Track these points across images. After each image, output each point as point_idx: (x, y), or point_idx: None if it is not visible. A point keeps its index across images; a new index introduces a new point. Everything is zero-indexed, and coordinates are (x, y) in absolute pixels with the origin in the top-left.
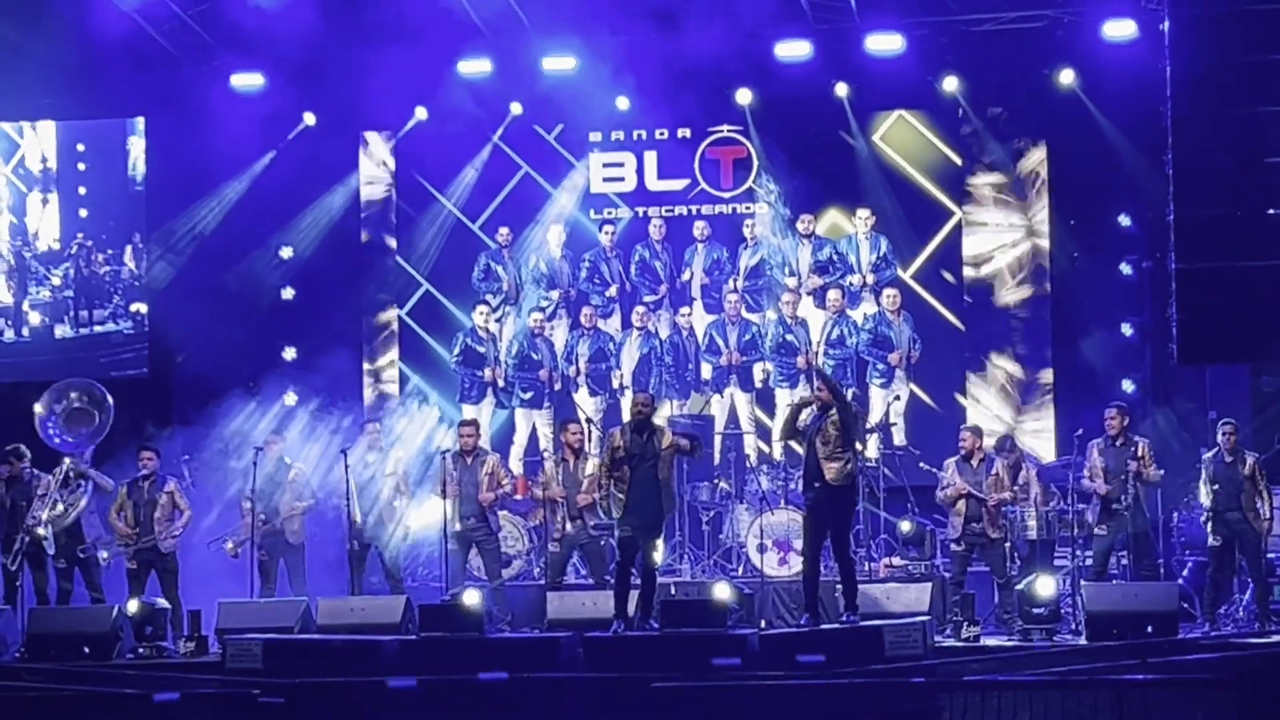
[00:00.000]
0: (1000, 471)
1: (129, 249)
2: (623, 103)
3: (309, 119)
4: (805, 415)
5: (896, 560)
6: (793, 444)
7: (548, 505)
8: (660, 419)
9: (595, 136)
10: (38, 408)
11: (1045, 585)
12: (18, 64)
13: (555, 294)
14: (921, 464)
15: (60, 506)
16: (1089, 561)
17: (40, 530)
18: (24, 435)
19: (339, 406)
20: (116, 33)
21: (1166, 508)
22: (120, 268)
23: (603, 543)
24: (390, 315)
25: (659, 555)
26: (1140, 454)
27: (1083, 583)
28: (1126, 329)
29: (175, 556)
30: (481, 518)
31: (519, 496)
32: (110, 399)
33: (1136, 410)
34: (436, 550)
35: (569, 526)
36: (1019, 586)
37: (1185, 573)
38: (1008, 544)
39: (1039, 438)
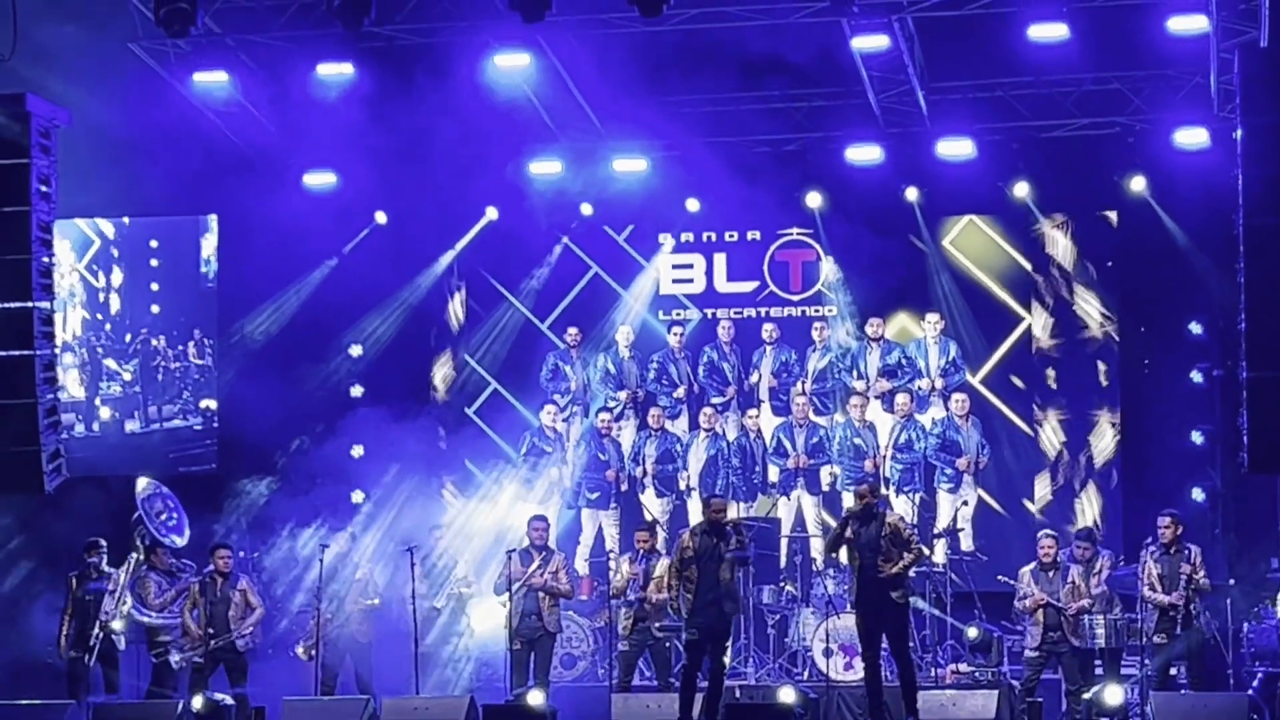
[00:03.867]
0: (1076, 579)
1: (199, 345)
2: (693, 204)
3: (380, 218)
4: (849, 529)
5: (963, 666)
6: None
7: (615, 604)
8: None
9: (665, 238)
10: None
11: (1113, 694)
12: (93, 160)
13: (623, 394)
14: (999, 576)
15: (129, 601)
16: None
17: (115, 624)
18: (95, 530)
19: (406, 503)
20: (192, 130)
21: (1236, 618)
22: (190, 364)
23: (668, 644)
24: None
25: (726, 658)
26: (1193, 561)
27: (1151, 693)
28: (1197, 437)
29: (246, 653)
30: (540, 616)
31: (584, 597)
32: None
33: (1206, 519)
34: (501, 649)
35: (639, 626)
36: (1087, 696)
37: (1255, 684)
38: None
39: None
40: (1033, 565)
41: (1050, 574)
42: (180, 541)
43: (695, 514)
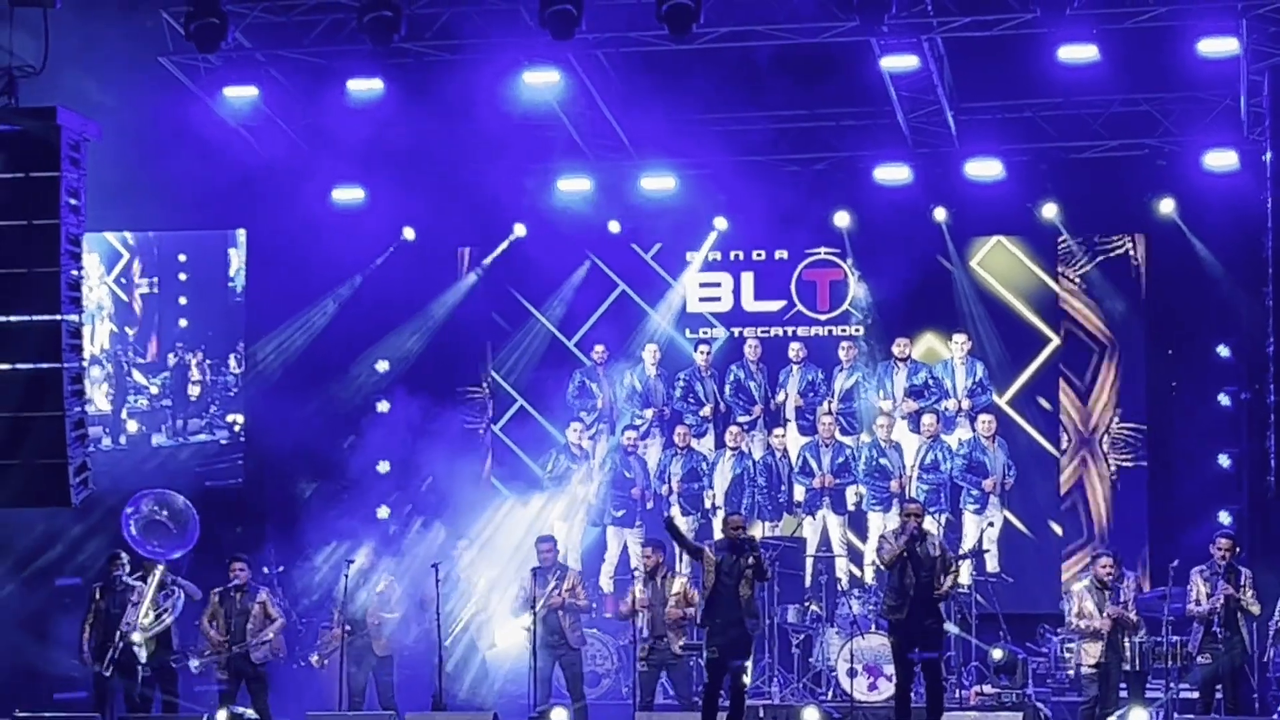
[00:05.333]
0: (1126, 596)
1: (226, 359)
2: (720, 223)
3: (408, 234)
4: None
5: (987, 688)
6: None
7: (636, 623)
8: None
9: (692, 256)
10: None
11: (1139, 717)
12: (123, 174)
13: (649, 412)
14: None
15: (153, 614)
16: (1183, 694)
17: (135, 636)
18: (119, 542)
19: (431, 518)
20: (221, 145)
21: (1262, 642)
22: (218, 378)
23: (689, 663)
24: (483, 429)
25: (747, 677)
26: (1243, 583)
27: (1176, 715)
28: (1224, 460)
29: (266, 667)
30: (562, 634)
31: (609, 615)
32: (198, 527)
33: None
34: (524, 666)
35: (656, 645)
36: (1113, 719)
37: None
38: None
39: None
40: (1087, 582)
41: (1104, 593)
42: (175, 555)
43: (721, 532)
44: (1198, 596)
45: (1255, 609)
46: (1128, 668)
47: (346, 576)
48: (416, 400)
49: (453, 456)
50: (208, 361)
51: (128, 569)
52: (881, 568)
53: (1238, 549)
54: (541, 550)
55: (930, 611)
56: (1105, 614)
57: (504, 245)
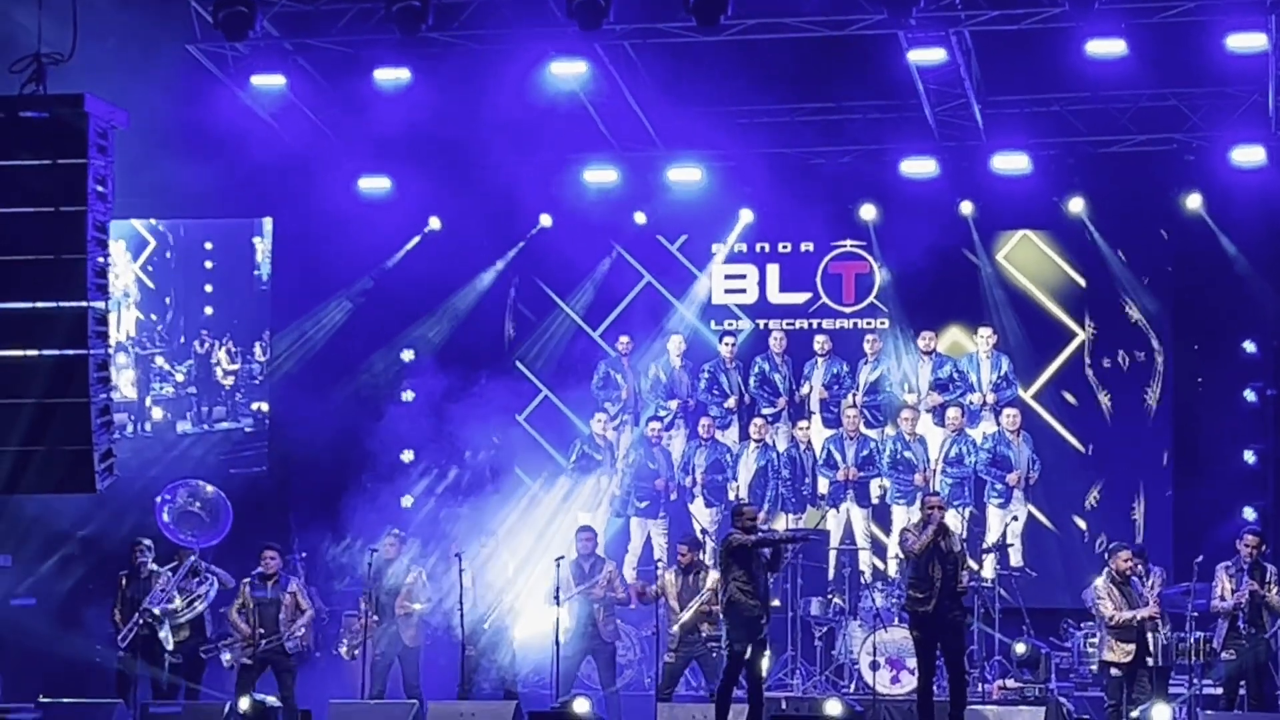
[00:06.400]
0: (1147, 593)
1: (250, 347)
2: (747, 215)
3: (434, 223)
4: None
5: (1010, 682)
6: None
7: (664, 615)
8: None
9: (718, 248)
10: (178, 488)
11: (1161, 714)
12: (150, 161)
13: (674, 404)
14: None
15: (179, 601)
16: (1206, 689)
17: (156, 611)
18: (144, 530)
19: (456, 508)
20: (248, 133)
21: None
22: (243, 366)
23: (715, 654)
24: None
25: (765, 664)
26: (1269, 580)
27: (1200, 711)
28: (1249, 456)
29: (296, 656)
30: (596, 625)
31: (633, 606)
32: (230, 516)
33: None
34: (548, 657)
35: (687, 639)
36: (1134, 715)
37: None
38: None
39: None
40: (1109, 577)
41: (1125, 586)
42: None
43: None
44: (1222, 593)
45: (1276, 602)
46: (1152, 663)
47: (370, 565)
48: (441, 389)
49: (477, 446)
50: (233, 349)
51: (152, 555)
52: (907, 559)
53: (1265, 546)
54: (582, 541)
55: (956, 604)
56: (1154, 604)
57: (530, 234)
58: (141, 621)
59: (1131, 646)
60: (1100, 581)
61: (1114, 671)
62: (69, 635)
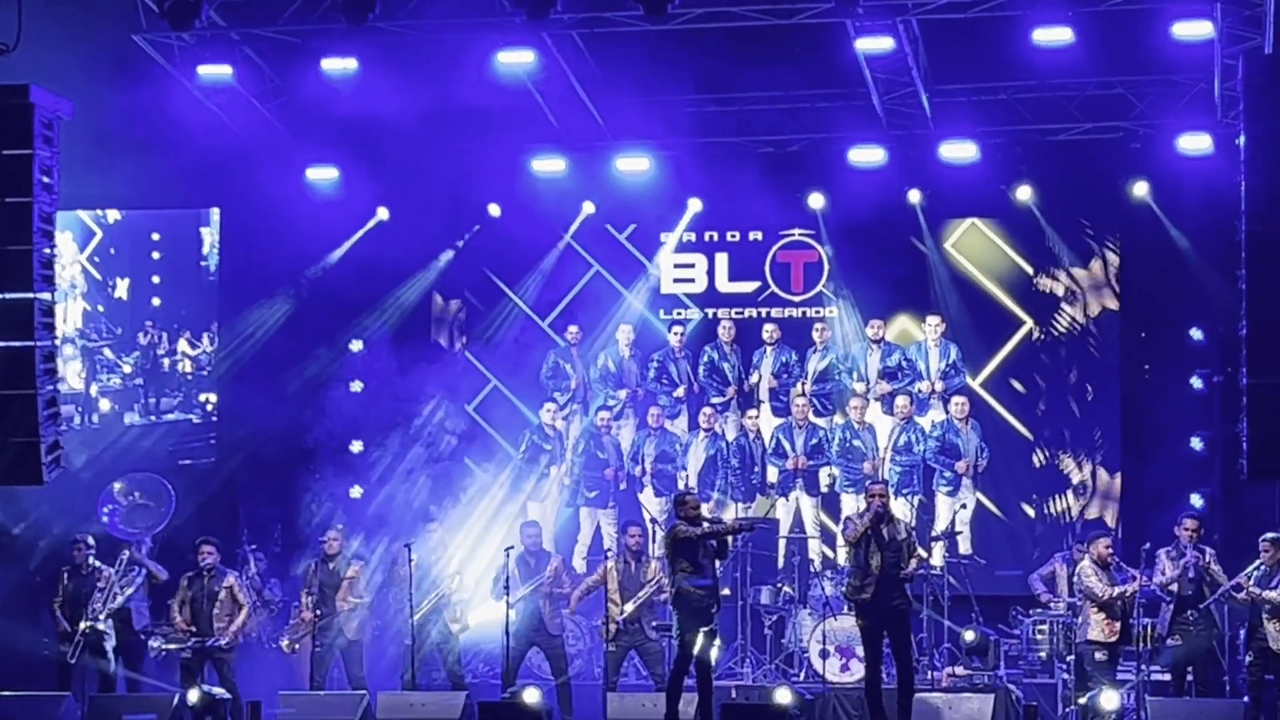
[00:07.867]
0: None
1: (199, 338)
2: (695, 204)
3: (382, 213)
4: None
5: (959, 670)
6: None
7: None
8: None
9: (667, 237)
10: (113, 488)
11: (1109, 699)
12: (96, 152)
13: (623, 393)
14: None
15: (119, 599)
16: (1154, 676)
17: (100, 625)
18: (93, 522)
19: (405, 499)
20: (195, 123)
21: (1233, 624)
22: (190, 357)
23: (661, 644)
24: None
25: (715, 652)
26: (1207, 560)
27: (1148, 698)
28: (1197, 443)
29: (233, 650)
30: (541, 619)
31: (568, 611)
32: (173, 494)
33: (1204, 525)
34: (497, 647)
35: (627, 628)
36: (1082, 701)
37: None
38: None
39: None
40: (1095, 561)
41: (1106, 572)
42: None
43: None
44: (1163, 576)
45: (1222, 579)
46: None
47: (316, 559)
48: (390, 379)
49: (425, 436)
50: (180, 340)
51: (93, 552)
52: (849, 547)
53: (1202, 529)
54: (527, 535)
55: (898, 592)
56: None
57: (478, 225)
58: (86, 631)
59: (1118, 625)
60: (1086, 564)
61: (1098, 655)
62: (16, 629)
